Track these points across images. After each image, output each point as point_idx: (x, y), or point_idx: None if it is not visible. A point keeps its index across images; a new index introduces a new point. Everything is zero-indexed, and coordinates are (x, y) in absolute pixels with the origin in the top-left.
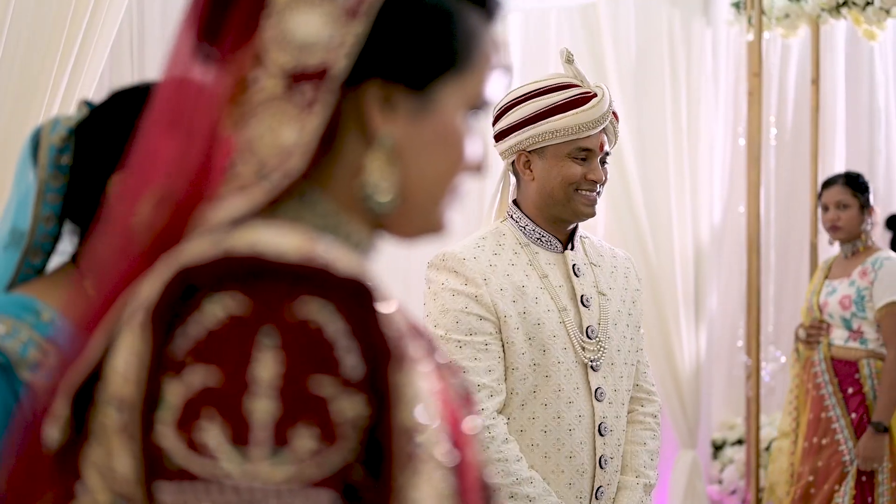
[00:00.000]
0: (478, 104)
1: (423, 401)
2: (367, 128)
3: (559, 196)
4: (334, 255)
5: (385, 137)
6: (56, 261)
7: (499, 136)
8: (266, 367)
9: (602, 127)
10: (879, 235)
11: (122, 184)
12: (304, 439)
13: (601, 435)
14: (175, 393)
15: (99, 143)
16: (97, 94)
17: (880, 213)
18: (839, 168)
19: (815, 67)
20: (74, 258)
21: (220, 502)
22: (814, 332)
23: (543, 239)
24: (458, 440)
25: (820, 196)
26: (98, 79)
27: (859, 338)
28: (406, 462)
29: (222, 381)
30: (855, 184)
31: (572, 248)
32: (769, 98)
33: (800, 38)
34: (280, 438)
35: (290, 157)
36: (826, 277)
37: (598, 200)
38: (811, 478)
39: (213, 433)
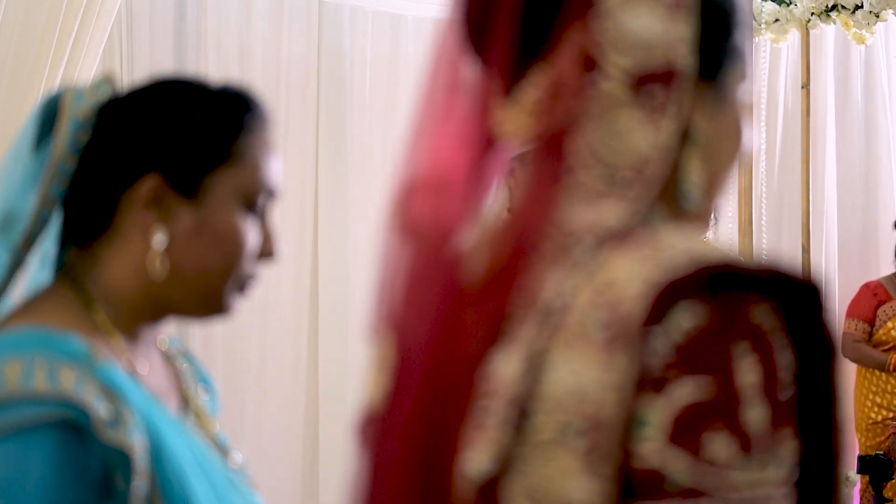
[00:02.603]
0: None
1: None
2: (689, 125)
3: None
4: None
5: (701, 134)
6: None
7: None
8: (748, 374)
9: None
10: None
11: (405, 185)
12: (787, 441)
13: None
14: (660, 409)
15: (126, 131)
16: None
17: (876, 218)
18: (830, 173)
19: (806, 72)
20: (60, 271)
21: None
22: None
23: None
24: None
25: None
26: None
27: None
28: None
29: (714, 392)
30: None
31: None
32: (759, 103)
33: (790, 42)
34: (774, 443)
35: (649, 164)
36: None
37: None
38: None
39: (721, 446)
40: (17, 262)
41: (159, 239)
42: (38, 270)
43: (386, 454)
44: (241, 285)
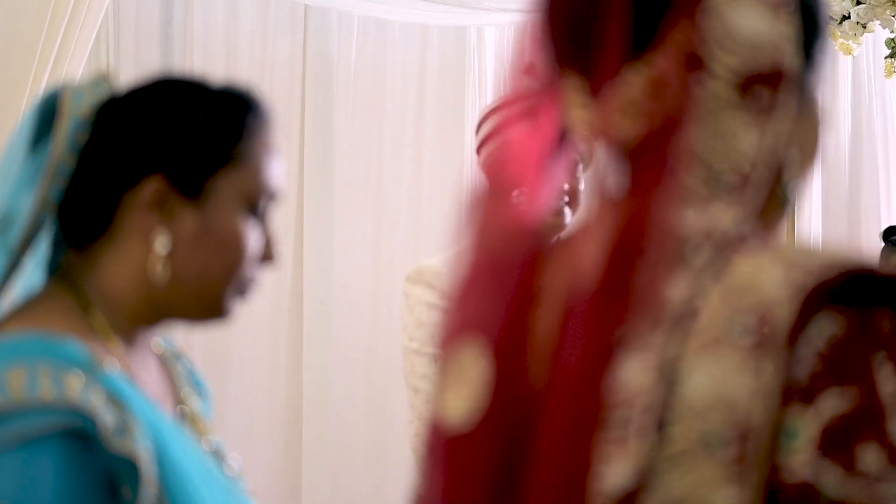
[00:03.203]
0: None
1: None
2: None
3: None
4: None
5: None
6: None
7: (478, 153)
8: (888, 383)
9: None
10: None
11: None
12: None
13: None
14: (809, 420)
15: (129, 131)
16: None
17: (869, 226)
18: (818, 180)
19: None
20: (56, 273)
21: None
22: None
23: None
24: None
25: None
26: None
27: None
28: None
29: (859, 403)
30: None
31: None
32: None
33: None
34: None
35: (755, 167)
36: None
37: (569, 211)
38: None
39: (872, 457)
40: (13, 265)
41: (161, 242)
42: (32, 272)
43: (475, 470)
44: (242, 289)
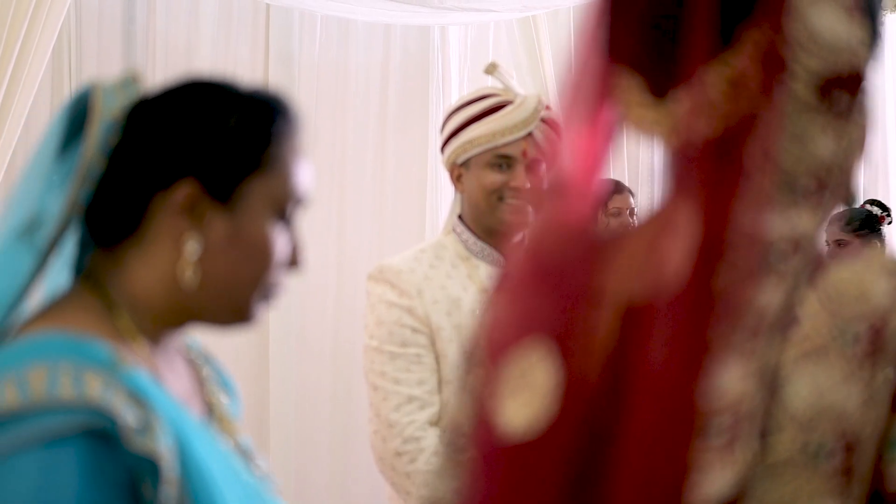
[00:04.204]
0: None
1: None
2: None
3: (483, 206)
4: None
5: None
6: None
7: (442, 151)
8: None
9: (523, 134)
10: None
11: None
12: None
13: None
14: None
15: (162, 134)
16: (36, 103)
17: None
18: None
19: None
20: (81, 274)
21: None
22: None
23: (485, 252)
24: None
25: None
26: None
27: None
28: None
29: None
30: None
31: None
32: None
33: None
34: None
35: (831, 172)
36: None
37: (529, 209)
38: None
39: None
40: (40, 265)
41: (192, 247)
42: (58, 272)
43: (545, 477)
44: (268, 295)
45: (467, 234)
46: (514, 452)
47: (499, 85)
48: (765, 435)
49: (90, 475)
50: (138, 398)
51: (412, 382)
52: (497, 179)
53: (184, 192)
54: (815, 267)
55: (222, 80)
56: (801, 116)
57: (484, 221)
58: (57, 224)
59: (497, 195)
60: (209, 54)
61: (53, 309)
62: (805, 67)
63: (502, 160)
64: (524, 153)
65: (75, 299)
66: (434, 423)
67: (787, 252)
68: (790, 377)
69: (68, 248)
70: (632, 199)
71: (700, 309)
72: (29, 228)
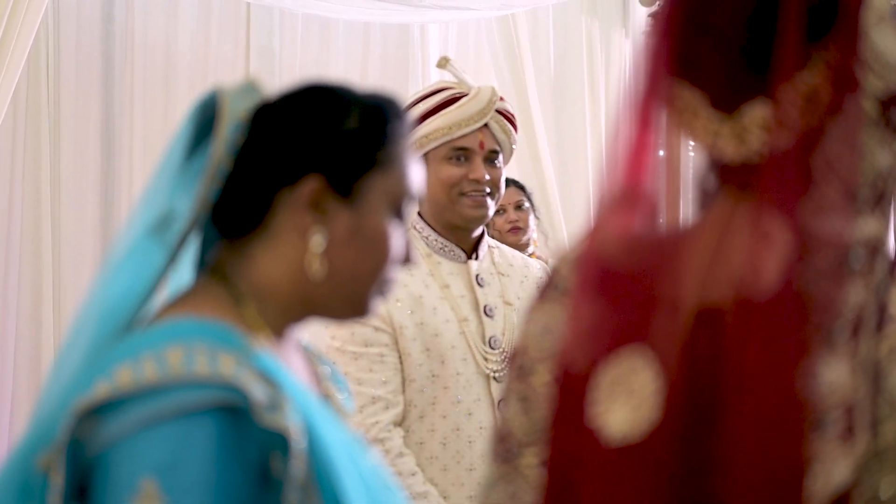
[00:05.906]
0: None
1: None
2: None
3: (443, 200)
4: None
5: None
6: None
7: None
8: None
9: (479, 125)
10: None
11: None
12: None
13: None
14: None
15: (287, 133)
16: (13, 102)
17: None
18: None
19: None
20: (208, 267)
21: None
22: None
23: (446, 249)
24: None
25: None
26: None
27: None
28: None
29: None
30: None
31: (477, 258)
32: None
33: None
34: None
35: (887, 182)
36: None
37: (490, 202)
38: None
39: None
40: (171, 261)
41: (318, 240)
42: (184, 267)
43: (653, 480)
44: (383, 289)
45: (428, 231)
46: (620, 455)
47: (452, 78)
48: (874, 425)
49: (223, 447)
50: (268, 378)
51: (375, 383)
52: (455, 173)
53: (310, 187)
54: (893, 267)
55: (340, 84)
56: (863, 130)
57: (445, 217)
58: (187, 221)
59: (457, 189)
60: (188, 54)
61: (185, 299)
62: (871, 85)
63: (460, 153)
64: (481, 144)
65: (204, 290)
66: (398, 423)
67: (865, 255)
68: (888, 369)
69: (193, 245)
70: (519, 194)
71: (793, 311)
72: (160, 226)
